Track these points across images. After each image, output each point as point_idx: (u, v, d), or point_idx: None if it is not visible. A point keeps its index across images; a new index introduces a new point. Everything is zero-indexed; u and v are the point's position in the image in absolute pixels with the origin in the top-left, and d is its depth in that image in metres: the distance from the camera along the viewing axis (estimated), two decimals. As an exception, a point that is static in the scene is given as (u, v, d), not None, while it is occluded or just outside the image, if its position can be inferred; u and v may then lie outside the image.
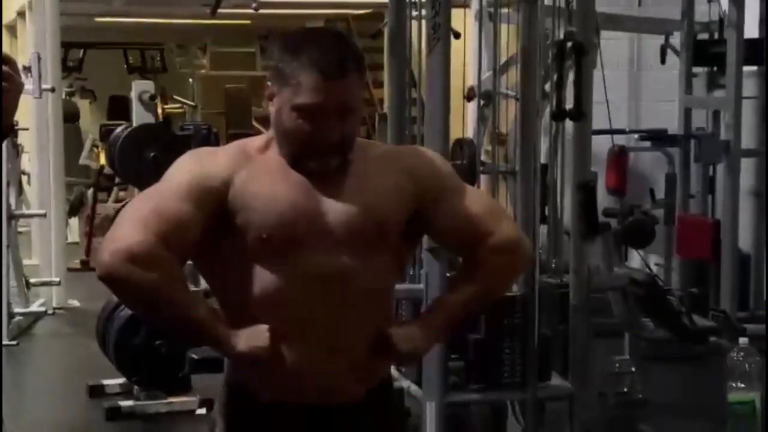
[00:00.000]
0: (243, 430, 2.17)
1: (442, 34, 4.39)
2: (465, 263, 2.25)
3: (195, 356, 4.71)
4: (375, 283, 2.14)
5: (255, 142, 2.19)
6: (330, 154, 2.09)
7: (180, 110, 10.27)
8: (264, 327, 2.06)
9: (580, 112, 4.25)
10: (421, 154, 2.29)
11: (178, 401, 5.02)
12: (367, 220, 2.11)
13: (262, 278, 2.09)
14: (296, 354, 2.09)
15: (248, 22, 11.60)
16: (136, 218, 2.05)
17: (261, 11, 9.36)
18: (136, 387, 5.04)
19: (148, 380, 4.99)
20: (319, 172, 2.11)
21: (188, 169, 2.11)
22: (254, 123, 10.83)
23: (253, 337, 2.04)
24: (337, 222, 2.10)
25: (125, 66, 11.83)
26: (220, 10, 10.29)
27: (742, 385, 2.96)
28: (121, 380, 5.20)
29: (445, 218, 2.19)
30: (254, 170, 2.11)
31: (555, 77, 4.18)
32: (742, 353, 2.93)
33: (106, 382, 5.27)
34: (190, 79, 11.77)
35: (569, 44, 4.24)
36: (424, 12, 4.73)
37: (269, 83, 2.15)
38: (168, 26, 11.51)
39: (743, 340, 2.97)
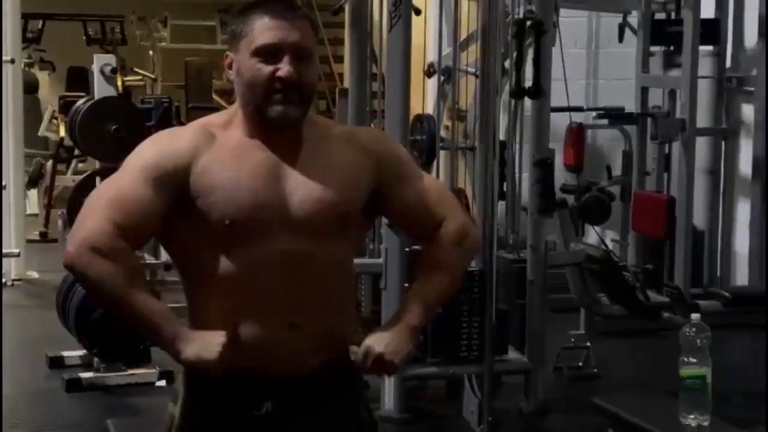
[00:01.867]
0: (203, 400, 2.21)
1: (403, 10, 4.43)
2: (424, 253, 2.30)
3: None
4: (335, 264, 2.20)
5: (218, 119, 2.22)
6: (291, 101, 2.13)
7: (140, 82, 10.21)
8: (217, 339, 2.08)
9: (539, 90, 4.32)
10: (382, 139, 2.35)
11: (138, 373, 5.03)
12: (328, 206, 2.15)
13: (224, 260, 2.13)
14: (257, 331, 2.13)
15: (210, -6, 11.57)
16: (97, 207, 2.10)
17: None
18: (95, 359, 5.05)
19: (108, 352, 5.00)
20: (283, 123, 2.14)
21: (149, 154, 2.15)
22: (214, 96, 10.79)
23: (204, 348, 2.07)
24: (299, 207, 2.14)
25: (84, 37, 11.73)
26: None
27: (694, 360, 3.01)
28: (81, 352, 5.21)
29: (401, 203, 2.24)
30: (217, 152, 2.14)
31: (515, 55, 4.22)
32: (694, 329, 2.98)
33: (65, 353, 5.28)
34: (151, 52, 11.70)
35: (529, 23, 4.29)
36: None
37: (227, 54, 2.21)
38: (128, -2, 11.48)
39: (695, 316, 3.02)
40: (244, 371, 2.14)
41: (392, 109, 4.48)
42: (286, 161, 2.16)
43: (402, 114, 4.46)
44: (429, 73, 6.79)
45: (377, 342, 2.16)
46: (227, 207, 2.10)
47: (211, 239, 2.13)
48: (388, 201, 2.24)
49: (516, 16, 4.52)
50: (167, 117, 6.38)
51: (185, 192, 2.11)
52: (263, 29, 2.13)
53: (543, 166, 4.49)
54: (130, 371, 5.06)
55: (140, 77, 10.37)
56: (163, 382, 5.00)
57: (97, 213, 2.08)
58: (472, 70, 5.32)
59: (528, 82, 4.44)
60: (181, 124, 8.72)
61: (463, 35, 5.57)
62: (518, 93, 4.33)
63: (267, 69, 2.12)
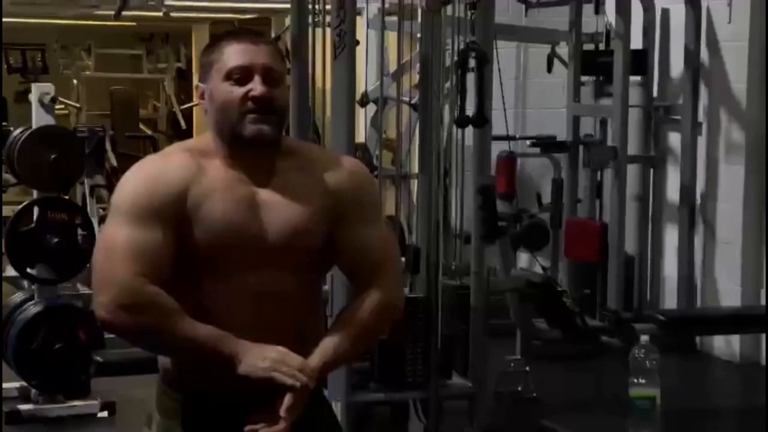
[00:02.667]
0: (186, 418, 2.25)
1: (347, 41, 4.48)
2: (348, 304, 2.32)
3: (100, 359, 4.72)
4: (304, 295, 2.27)
5: (197, 146, 2.26)
6: (265, 120, 2.18)
7: (64, 111, 10.13)
8: (269, 353, 2.15)
9: (483, 118, 4.39)
10: (352, 176, 2.33)
11: (79, 405, 4.99)
12: (300, 237, 2.22)
13: (200, 288, 2.19)
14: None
15: (133, 24, 11.51)
16: (113, 263, 2.12)
17: (145, 14, 9.35)
18: (34, 390, 4.99)
19: (48, 384, 4.95)
20: (259, 141, 2.19)
21: (143, 192, 2.17)
22: (141, 126, 10.76)
23: (259, 358, 2.14)
24: (275, 240, 2.20)
25: (5, 66, 11.61)
26: (102, 12, 10.22)
27: (643, 381, 3.11)
28: (19, 383, 5.15)
29: (344, 245, 2.28)
30: (205, 184, 2.19)
31: (458, 85, 4.30)
32: (643, 350, 3.08)
33: (4, 385, 5.22)
34: (75, 81, 11.60)
35: (472, 53, 4.37)
36: (322, 18, 4.83)
37: (197, 85, 2.30)
38: (50, 27, 11.35)
39: (644, 338, 3.12)
40: (214, 393, 2.21)
41: (337, 137, 4.52)
42: (262, 189, 2.22)
43: (347, 142, 4.51)
44: (362, 102, 6.86)
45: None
46: (211, 239, 2.16)
47: (189, 267, 2.18)
48: (335, 238, 2.28)
49: (458, 47, 4.58)
50: (101, 146, 6.38)
51: (180, 221, 2.16)
52: (233, 53, 2.21)
53: (486, 192, 4.56)
54: (70, 403, 5.02)
55: (64, 107, 10.30)
56: (105, 413, 4.97)
57: (117, 269, 2.11)
58: (405, 99, 5.40)
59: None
60: (116, 153, 8.73)
61: (393, 66, 5.66)
62: (462, 122, 4.40)
63: (240, 90, 2.19)
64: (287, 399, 2.13)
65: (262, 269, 2.19)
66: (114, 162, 7.91)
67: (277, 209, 2.21)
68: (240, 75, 2.19)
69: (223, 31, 2.38)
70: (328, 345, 2.23)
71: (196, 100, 2.34)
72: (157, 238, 2.13)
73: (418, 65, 5.89)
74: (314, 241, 2.24)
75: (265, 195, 2.21)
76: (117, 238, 2.14)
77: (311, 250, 2.25)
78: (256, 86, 2.18)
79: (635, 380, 3.20)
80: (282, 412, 2.13)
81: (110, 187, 7.60)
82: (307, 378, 2.15)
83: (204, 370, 2.19)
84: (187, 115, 11.75)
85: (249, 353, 2.13)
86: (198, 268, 2.18)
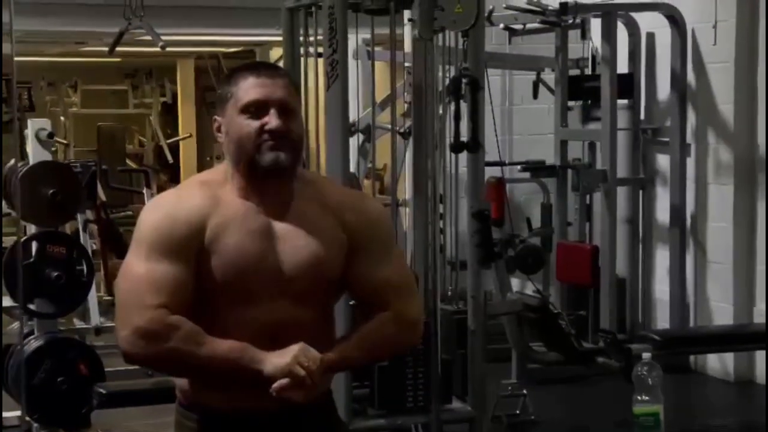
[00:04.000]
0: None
1: (340, 70, 4.54)
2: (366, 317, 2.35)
3: (103, 391, 4.72)
4: (320, 324, 2.32)
5: (214, 177, 2.31)
6: (282, 148, 2.23)
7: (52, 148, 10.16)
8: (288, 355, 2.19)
9: (477, 144, 4.44)
10: (365, 209, 2.38)
11: (81, 439, 5.00)
12: (316, 271, 2.27)
13: (219, 317, 2.23)
14: (240, 383, 2.24)
15: (118, 59, 11.55)
16: (135, 298, 2.18)
17: (130, 49, 9.37)
18: (35, 424, 4.99)
19: (49, 418, 4.95)
20: (276, 170, 2.23)
21: (163, 226, 2.22)
22: (128, 162, 10.78)
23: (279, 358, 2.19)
24: (291, 272, 2.25)
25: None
26: (89, 48, 10.26)
27: (647, 398, 3.14)
28: (20, 412, 5.14)
29: (358, 278, 2.32)
30: (222, 216, 2.24)
31: (455, 111, 4.35)
32: (646, 367, 3.11)
33: (5, 414, 5.22)
34: (62, 117, 11.63)
35: (465, 80, 4.42)
36: (311, 50, 4.89)
37: (215, 119, 2.32)
38: (36, 64, 11.39)
39: (646, 355, 3.15)
40: (233, 411, 2.26)
41: (332, 165, 4.57)
42: (279, 221, 2.26)
43: (343, 171, 4.55)
44: (350, 132, 6.90)
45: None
46: (228, 270, 2.21)
47: (207, 297, 2.23)
48: (350, 273, 2.32)
49: (452, 75, 4.64)
50: (94, 181, 6.40)
51: (198, 253, 2.21)
52: (248, 88, 2.25)
53: (480, 217, 4.60)
54: (72, 436, 5.02)
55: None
56: (105, 446, 4.98)
57: (139, 302, 2.16)
58: (392, 127, 5.45)
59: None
60: (108, 187, 8.75)
61: (378, 96, 5.72)
62: (457, 147, 4.45)
63: (255, 123, 2.23)
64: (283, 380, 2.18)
65: (278, 299, 2.24)
66: (103, 197, 7.91)
67: (294, 240, 2.25)
68: (256, 109, 2.23)
69: (241, 64, 2.43)
70: (336, 347, 2.29)
71: (213, 131, 2.35)
72: (179, 271, 2.18)
73: (405, 94, 5.98)
74: (331, 272, 2.29)
75: (281, 226, 2.26)
76: (139, 272, 2.19)
77: (328, 280, 2.30)
78: (272, 120, 2.22)
79: (639, 397, 3.22)
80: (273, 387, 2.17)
81: (99, 222, 7.61)
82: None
83: (223, 388, 2.23)
84: (174, 148, 11.79)
85: (271, 355, 2.18)
86: (216, 297, 2.23)
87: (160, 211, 2.25)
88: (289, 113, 2.25)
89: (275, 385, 2.17)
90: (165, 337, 2.15)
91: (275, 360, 2.18)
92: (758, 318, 5.97)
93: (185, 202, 2.25)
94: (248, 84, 2.25)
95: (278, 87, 2.25)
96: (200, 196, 2.25)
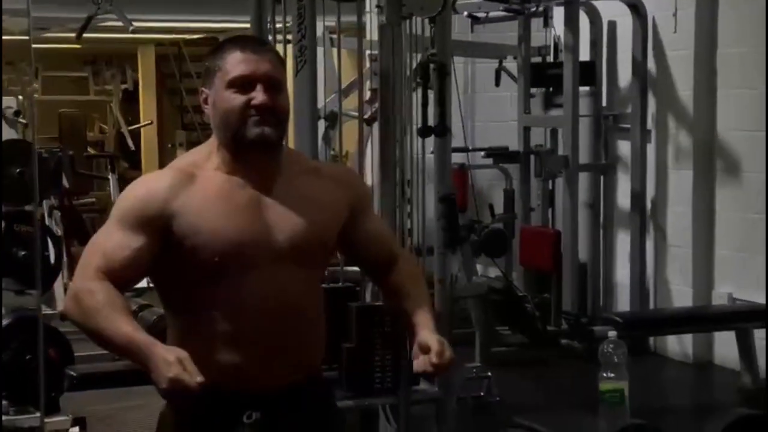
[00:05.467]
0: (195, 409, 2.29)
1: (308, 56, 4.58)
2: (393, 283, 2.44)
3: (73, 373, 4.74)
4: (313, 292, 2.36)
5: (198, 156, 2.34)
6: (267, 122, 2.26)
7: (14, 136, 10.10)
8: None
9: (444, 128, 4.50)
10: (352, 175, 2.57)
11: (50, 421, 4.99)
12: (310, 236, 2.30)
13: (212, 294, 2.26)
14: (242, 354, 2.26)
15: (78, 46, 11.49)
16: (86, 260, 2.25)
17: (90, 35, 9.32)
18: (5, 402, 5.00)
19: (19, 395, 4.95)
20: (263, 144, 2.26)
21: (132, 200, 2.28)
22: (89, 149, 10.74)
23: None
24: (283, 239, 2.28)
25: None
26: (49, 35, 10.21)
27: (612, 375, 3.23)
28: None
29: (364, 234, 2.42)
30: (198, 193, 2.26)
31: (422, 97, 4.41)
32: (611, 345, 3.20)
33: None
34: (20, 97, 11.53)
35: (432, 66, 4.48)
36: (284, 36, 4.92)
37: (201, 90, 2.35)
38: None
39: (612, 334, 3.24)
40: (230, 388, 2.28)
41: (301, 150, 4.60)
42: (266, 194, 2.29)
43: (311, 157, 4.59)
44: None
45: (435, 344, 2.29)
46: (215, 245, 2.23)
47: (200, 275, 2.25)
48: (353, 231, 2.40)
49: (415, 61, 4.69)
50: (60, 166, 6.41)
51: (170, 234, 2.24)
52: (236, 62, 2.27)
53: (447, 202, 4.66)
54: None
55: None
56: (76, 429, 4.99)
57: (84, 265, 2.24)
58: (355, 114, 5.50)
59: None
60: (73, 173, 8.72)
61: (344, 82, 5.76)
62: (425, 132, 4.51)
63: (241, 98, 2.26)
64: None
65: (272, 268, 2.26)
66: (66, 184, 7.90)
67: (286, 210, 2.29)
68: (242, 83, 2.26)
69: (228, 37, 2.49)
70: (422, 314, 2.36)
71: (200, 103, 2.38)
72: (134, 242, 2.22)
73: (368, 81, 6.03)
74: (326, 236, 2.34)
75: (271, 197, 2.29)
76: (98, 239, 2.27)
77: (324, 244, 2.35)
78: (258, 95, 2.25)
79: (605, 374, 3.30)
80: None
81: (63, 208, 7.60)
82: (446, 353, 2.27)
83: (212, 366, 2.24)
84: (135, 135, 11.75)
85: (158, 358, 2.13)
86: (209, 273, 2.24)
87: (132, 187, 2.31)
88: (276, 88, 2.28)
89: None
90: (81, 300, 2.19)
91: (161, 366, 2.12)
92: (717, 300, 6.11)
93: (156, 180, 2.30)
94: (235, 58, 2.27)
95: (265, 62, 2.28)
96: (175, 177, 2.28)
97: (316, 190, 2.35)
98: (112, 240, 2.23)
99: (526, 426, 4.12)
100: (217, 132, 2.32)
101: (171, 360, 2.10)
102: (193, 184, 2.27)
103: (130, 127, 11.73)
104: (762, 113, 5.81)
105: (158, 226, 2.23)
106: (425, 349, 2.28)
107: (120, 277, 2.21)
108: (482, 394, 5.43)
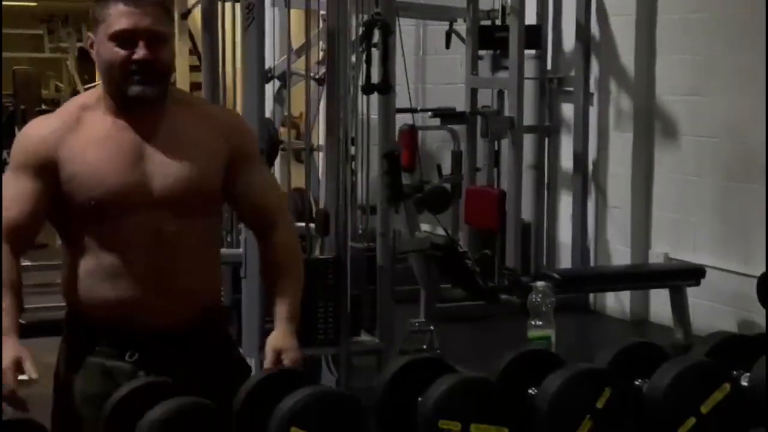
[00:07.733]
0: (83, 343, 2.38)
1: (256, 14, 4.66)
2: (268, 255, 2.49)
3: (22, 321, 4.83)
4: (197, 238, 2.40)
5: (87, 99, 2.41)
6: (148, 81, 2.31)
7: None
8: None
9: (388, 86, 4.62)
10: (239, 123, 2.57)
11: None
12: (188, 184, 2.35)
13: (95, 234, 2.34)
14: (126, 293, 2.35)
15: (34, 4, 11.50)
16: None
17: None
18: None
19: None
20: (142, 102, 2.32)
21: (22, 146, 2.35)
22: (44, 107, 10.74)
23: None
24: (161, 186, 2.34)
25: None
26: (4, -8, 10.20)
27: (540, 323, 3.35)
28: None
29: (244, 186, 2.45)
30: (82, 137, 2.33)
31: (364, 55, 4.51)
32: (540, 295, 3.33)
33: None
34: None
35: (377, 24, 4.59)
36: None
37: (89, 35, 2.41)
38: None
39: (540, 283, 3.37)
40: (116, 325, 2.35)
41: (249, 110, 4.69)
42: (149, 141, 2.35)
43: (259, 115, 4.68)
44: (266, 78, 7.01)
45: (282, 344, 2.38)
46: (91, 189, 2.31)
47: (82, 217, 2.34)
48: (232, 182, 2.43)
49: (363, 20, 4.80)
50: (12, 122, 6.48)
51: (57, 177, 2.32)
52: (118, 16, 2.30)
53: (390, 158, 4.79)
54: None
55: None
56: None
57: None
58: (304, 73, 5.58)
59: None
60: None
61: (296, 43, 5.84)
62: (369, 89, 4.62)
63: (123, 53, 2.30)
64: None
65: (156, 211, 2.32)
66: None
67: (165, 159, 2.34)
68: (123, 37, 2.30)
69: None
70: (283, 306, 2.42)
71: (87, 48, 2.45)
72: (28, 191, 2.29)
73: (321, 42, 6.12)
74: (208, 185, 2.38)
75: (153, 144, 2.34)
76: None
77: (205, 193, 2.38)
78: (139, 51, 2.29)
79: (533, 322, 3.42)
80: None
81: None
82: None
83: (119, 309, 2.35)
84: (91, 94, 11.73)
85: (8, 346, 2.16)
86: (89, 215, 2.32)
87: (22, 134, 2.38)
88: (158, 42, 2.31)
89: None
90: None
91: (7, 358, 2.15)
92: (653, 259, 6.27)
93: (44, 126, 2.36)
94: (118, 12, 2.30)
95: (147, 15, 2.30)
96: (61, 120, 2.34)
97: (201, 136, 2.38)
98: (8, 192, 2.29)
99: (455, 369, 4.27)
100: (101, 79, 2.37)
101: (7, 365, 2.12)
102: (79, 128, 2.33)
103: (86, 86, 11.73)
104: (701, 78, 5.98)
105: (47, 171, 2.30)
106: (275, 351, 2.36)
107: (22, 227, 2.29)
108: (424, 347, 5.56)
